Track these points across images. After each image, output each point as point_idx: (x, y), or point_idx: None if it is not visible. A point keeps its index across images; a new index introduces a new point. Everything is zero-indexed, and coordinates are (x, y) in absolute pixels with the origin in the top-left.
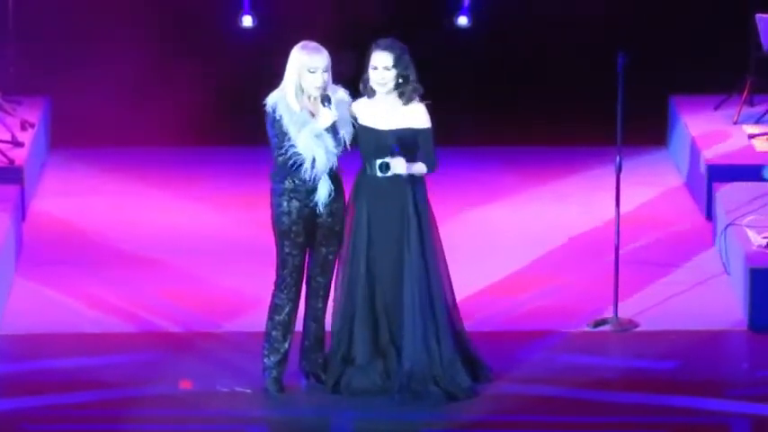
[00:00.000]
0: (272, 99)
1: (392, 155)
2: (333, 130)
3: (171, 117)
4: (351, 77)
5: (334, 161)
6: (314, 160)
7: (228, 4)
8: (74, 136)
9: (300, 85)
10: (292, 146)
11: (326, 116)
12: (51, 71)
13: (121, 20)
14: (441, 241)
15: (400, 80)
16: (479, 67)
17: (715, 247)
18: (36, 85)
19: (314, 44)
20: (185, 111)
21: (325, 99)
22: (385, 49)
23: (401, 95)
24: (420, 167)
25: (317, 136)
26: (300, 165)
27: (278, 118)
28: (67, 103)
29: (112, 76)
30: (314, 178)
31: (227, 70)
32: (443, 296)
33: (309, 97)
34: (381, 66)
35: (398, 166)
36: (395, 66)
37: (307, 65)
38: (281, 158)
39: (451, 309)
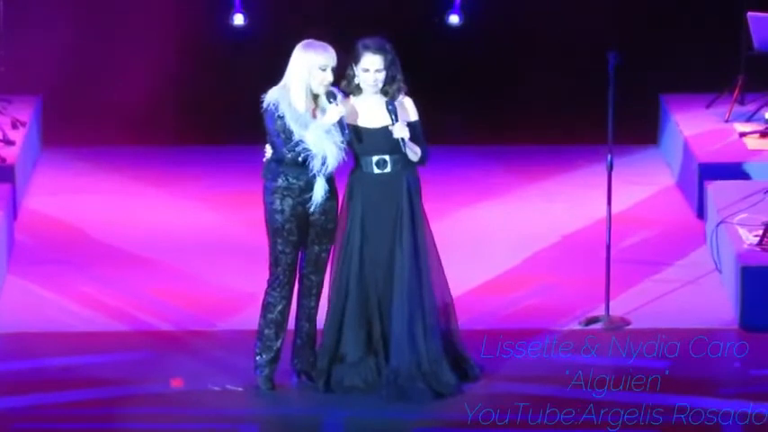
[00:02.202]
0: (271, 96)
1: (390, 115)
2: (339, 125)
3: (163, 116)
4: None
5: (342, 156)
6: (325, 156)
7: (220, 3)
8: (65, 135)
9: (309, 84)
10: (301, 142)
11: (334, 112)
12: (42, 70)
13: (113, 19)
14: (434, 239)
15: (388, 80)
16: (470, 65)
17: (706, 245)
18: (27, 84)
19: (319, 42)
20: (177, 109)
21: (331, 96)
22: (376, 51)
23: (386, 94)
24: (416, 147)
25: (327, 132)
26: (310, 160)
27: (281, 115)
28: (59, 101)
29: (104, 75)
30: (316, 174)
31: (218, 69)
32: (433, 294)
33: (313, 96)
34: (373, 68)
35: (401, 130)
36: (386, 68)
37: (318, 63)
38: (290, 155)
39: (441, 307)
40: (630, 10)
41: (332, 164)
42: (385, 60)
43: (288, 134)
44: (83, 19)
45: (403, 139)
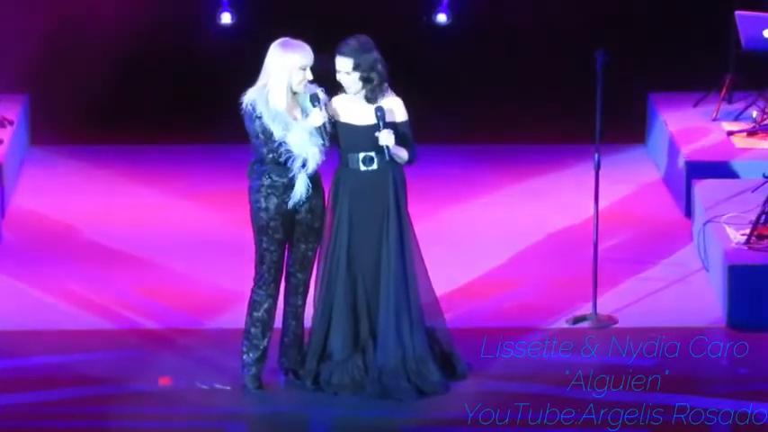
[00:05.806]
0: (249, 97)
1: (379, 124)
2: (322, 128)
3: (151, 114)
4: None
5: (322, 159)
6: (305, 158)
7: (207, 1)
8: (53, 133)
9: (290, 84)
10: (283, 143)
11: (317, 116)
12: (30, 68)
13: (100, 17)
14: (416, 238)
15: (362, 82)
16: (458, 64)
17: (693, 244)
18: (14, 83)
19: (296, 41)
20: (166, 108)
21: (315, 99)
22: (343, 54)
23: (364, 96)
24: (402, 151)
25: (309, 134)
26: (291, 161)
27: (259, 115)
28: (46, 100)
29: (91, 74)
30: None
31: (205, 67)
32: (418, 292)
33: (293, 95)
34: (343, 71)
35: (387, 137)
36: (355, 69)
37: (299, 62)
38: (271, 155)
39: (426, 305)
40: (618, 8)
41: (311, 166)
42: (352, 63)
43: (267, 135)
44: (70, 17)
45: (388, 147)
